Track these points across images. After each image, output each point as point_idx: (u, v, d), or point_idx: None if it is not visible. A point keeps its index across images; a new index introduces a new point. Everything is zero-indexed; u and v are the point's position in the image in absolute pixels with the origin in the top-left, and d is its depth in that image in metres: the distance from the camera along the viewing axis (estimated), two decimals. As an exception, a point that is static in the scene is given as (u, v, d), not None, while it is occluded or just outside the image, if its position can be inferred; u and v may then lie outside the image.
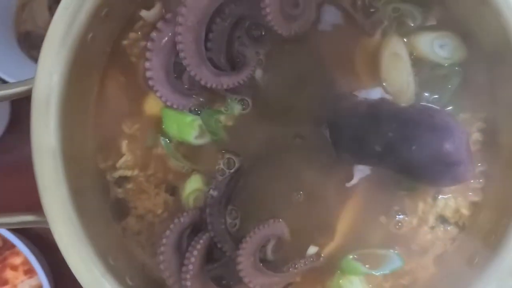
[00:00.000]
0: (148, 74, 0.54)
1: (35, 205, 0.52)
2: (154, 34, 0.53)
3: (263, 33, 0.57)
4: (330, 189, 0.58)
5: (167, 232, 0.54)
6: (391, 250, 0.58)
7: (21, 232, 0.77)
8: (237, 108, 0.57)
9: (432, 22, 0.57)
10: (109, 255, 0.54)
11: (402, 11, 0.57)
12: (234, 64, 0.56)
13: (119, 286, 0.52)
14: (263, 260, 0.56)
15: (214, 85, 0.54)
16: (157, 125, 0.58)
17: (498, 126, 0.56)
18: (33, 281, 0.77)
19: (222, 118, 0.57)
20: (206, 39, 0.53)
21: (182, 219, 0.55)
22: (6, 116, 0.79)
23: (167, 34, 0.53)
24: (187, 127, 0.57)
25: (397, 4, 0.57)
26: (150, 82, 0.54)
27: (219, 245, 0.55)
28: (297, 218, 0.58)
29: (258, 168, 0.58)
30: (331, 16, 0.57)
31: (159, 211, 0.58)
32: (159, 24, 0.53)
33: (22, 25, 0.79)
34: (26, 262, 0.76)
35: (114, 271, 0.53)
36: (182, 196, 0.58)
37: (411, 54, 0.57)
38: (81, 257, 0.52)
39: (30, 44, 0.79)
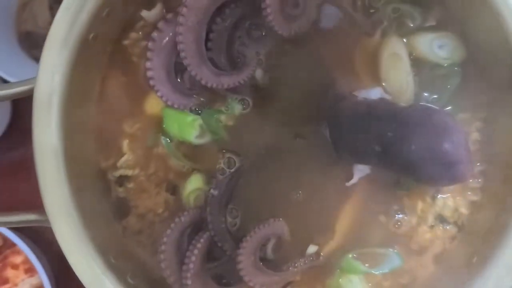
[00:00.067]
0: (149, 73, 0.54)
1: (36, 204, 0.52)
2: (155, 34, 0.53)
3: (263, 33, 0.57)
4: (330, 188, 0.58)
5: (168, 231, 0.54)
6: (391, 249, 0.58)
7: (22, 231, 0.77)
8: (237, 108, 0.58)
9: (431, 22, 0.57)
10: (110, 254, 0.54)
11: (402, 12, 0.57)
12: (234, 64, 0.56)
13: (120, 285, 0.52)
14: (263, 259, 0.56)
15: (214, 85, 0.54)
16: (158, 125, 0.58)
17: (496, 126, 0.56)
18: (33, 280, 0.77)
19: (222, 117, 0.58)
20: (207, 39, 0.54)
21: (182, 218, 0.55)
22: (7, 116, 0.79)
23: (168, 34, 0.53)
24: (188, 127, 0.57)
25: (396, 5, 0.57)
26: (151, 82, 0.54)
27: (219, 244, 0.56)
28: (297, 217, 0.58)
29: (259, 168, 0.58)
30: (331, 16, 0.57)
31: (160, 210, 0.59)
32: (160, 24, 0.53)
33: (23, 24, 0.79)
34: (26, 261, 0.76)
35: (115, 269, 0.53)
36: (182, 195, 0.58)
37: (410, 54, 0.57)
38: (82, 256, 0.52)
39: (31, 43, 0.79)
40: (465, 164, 0.48)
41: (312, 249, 0.58)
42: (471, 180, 0.57)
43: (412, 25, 0.57)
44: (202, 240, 0.54)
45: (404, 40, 0.57)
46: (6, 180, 0.79)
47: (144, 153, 0.59)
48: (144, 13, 0.57)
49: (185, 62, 0.53)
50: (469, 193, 0.58)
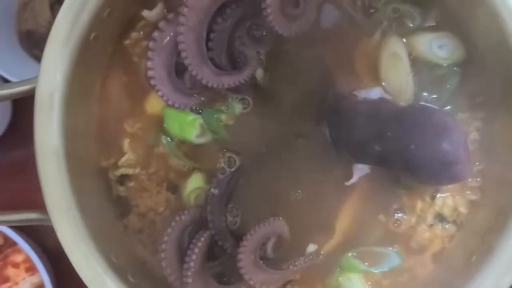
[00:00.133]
0: (150, 73, 0.54)
1: (37, 203, 0.53)
2: (156, 34, 0.53)
3: (264, 33, 0.57)
4: (329, 187, 0.58)
5: (169, 230, 0.54)
6: (390, 248, 0.58)
7: (23, 229, 0.77)
8: (238, 107, 0.58)
9: (431, 22, 0.57)
10: (111, 253, 0.54)
11: (402, 12, 0.57)
12: (235, 64, 0.56)
13: (121, 283, 0.52)
14: (263, 258, 0.56)
15: (215, 85, 0.54)
16: (158, 124, 0.58)
17: (495, 126, 0.57)
18: (34, 279, 0.77)
19: (223, 117, 0.58)
20: (208, 39, 0.54)
21: (183, 217, 0.55)
22: (8, 115, 0.79)
23: (168, 33, 0.54)
24: (189, 126, 0.57)
25: (396, 5, 0.57)
26: (152, 82, 0.54)
27: (219, 243, 0.56)
28: (297, 216, 0.58)
29: (259, 167, 0.58)
30: (331, 16, 0.57)
31: (161, 209, 0.59)
32: (161, 24, 0.53)
33: (24, 24, 0.79)
34: (27, 259, 0.76)
35: (116, 268, 0.53)
36: (183, 194, 0.58)
37: (410, 54, 0.57)
38: (84, 254, 0.52)
39: (32, 43, 0.79)
40: (464, 164, 0.49)
41: (312, 248, 0.58)
42: (470, 180, 0.58)
43: (411, 25, 0.57)
44: (202, 239, 0.54)
45: (404, 40, 0.57)
46: (7, 180, 0.79)
47: (145, 152, 0.59)
48: (145, 13, 0.57)
49: (186, 61, 0.53)
50: (468, 192, 0.58)
